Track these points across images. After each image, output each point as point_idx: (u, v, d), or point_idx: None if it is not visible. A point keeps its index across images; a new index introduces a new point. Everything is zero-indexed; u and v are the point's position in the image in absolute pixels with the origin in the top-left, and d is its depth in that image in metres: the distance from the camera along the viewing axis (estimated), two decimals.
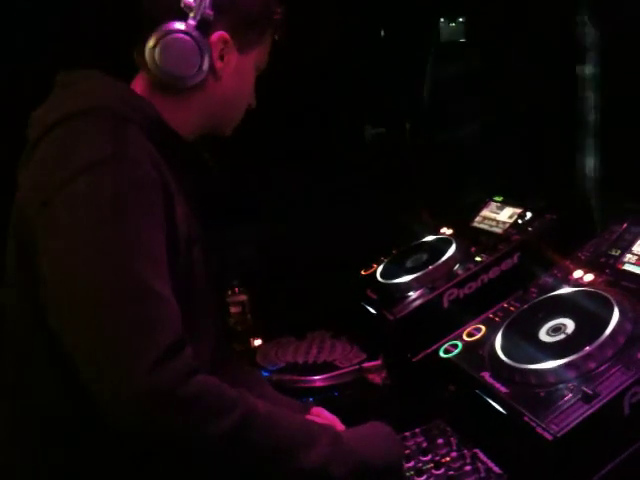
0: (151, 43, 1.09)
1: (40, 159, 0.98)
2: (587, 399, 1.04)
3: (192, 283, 1.10)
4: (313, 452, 0.96)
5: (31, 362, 1.00)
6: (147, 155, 1.00)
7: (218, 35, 1.13)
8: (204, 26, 1.11)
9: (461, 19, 2.36)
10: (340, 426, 1.32)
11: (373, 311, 1.65)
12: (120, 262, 0.89)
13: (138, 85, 1.15)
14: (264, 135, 2.12)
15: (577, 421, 1.01)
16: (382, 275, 1.74)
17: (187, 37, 1.09)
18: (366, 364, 1.58)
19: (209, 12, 1.10)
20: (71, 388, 0.92)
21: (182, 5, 1.09)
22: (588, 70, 1.76)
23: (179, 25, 1.09)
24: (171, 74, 1.11)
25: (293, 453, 0.94)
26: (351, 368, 1.59)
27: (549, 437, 1.01)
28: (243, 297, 1.91)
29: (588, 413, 1.02)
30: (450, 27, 2.41)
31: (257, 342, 1.84)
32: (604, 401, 1.02)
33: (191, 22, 1.09)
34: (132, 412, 0.83)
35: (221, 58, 1.15)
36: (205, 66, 1.12)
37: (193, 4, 1.09)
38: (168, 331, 0.87)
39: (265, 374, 1.60)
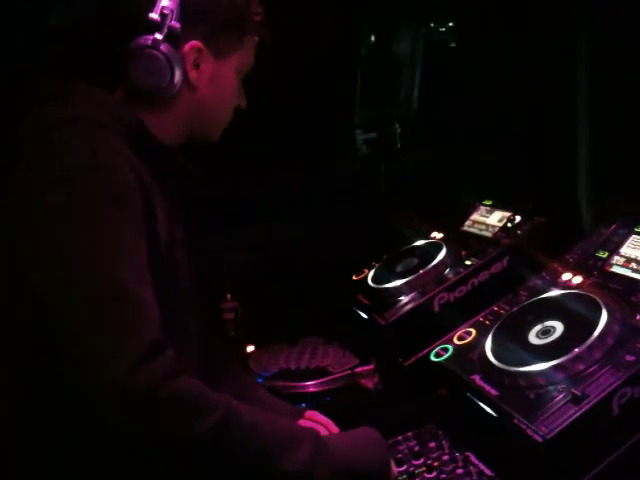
0: (123, 57, 1.11)
1: (20, 170, 0.99)
2: (576, 401, 1.04)
3: (175, 285, 1.10)
4: (296, 455, 0.96)
5: (21, 364, 1.00)
6: (126, 162, 1.01)
7: (190, 45, 1.13)
8: (173, 38, 1.11)
9: (451, 24, 2.37)
10: (334, 429, 1.32)
11: (365, 316, 1.66)
12: (100, 266, 0.90)
13: (119, 95, 1.16)
14: (257, 137, 2.12)
15: (566, 423, 1.02)
16: (373, 280, 1.75)
17: (154, 52, 1.10)
18: (358, 369, 1.59)
19: (175, 25, 1.11)
20: (58, 388, 0.92)
21: (147, 20, 1.09)
22: (582, 72, 1.77)
23: (146, 40, 1.10)
24: (143, 88, 1.13)
25: (276, 456, 0.95)
26: (343, 373, 1.59)
27: (539, 439, 1.02)
28: (235, 304, 1.91)
29: (577, 414, 1.02)
30: (440, 32, 2.42)
31: (250, 348, 1.84)
32: (593, 402, 1.03)
33: (158, 36, 1.10)
34: (113, 412, 0.84)
35: (196, 67, 1.16)
36: (177, 79, 1.13)
37: (158, 19, 1.10)
38: (148, 334, 0.88)
39: (258, 380, 1.60)
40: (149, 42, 1.10)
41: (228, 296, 1.91)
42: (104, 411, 0.84)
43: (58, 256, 0.90)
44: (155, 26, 1.10)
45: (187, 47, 1.14)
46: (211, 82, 1.19)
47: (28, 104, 1.08)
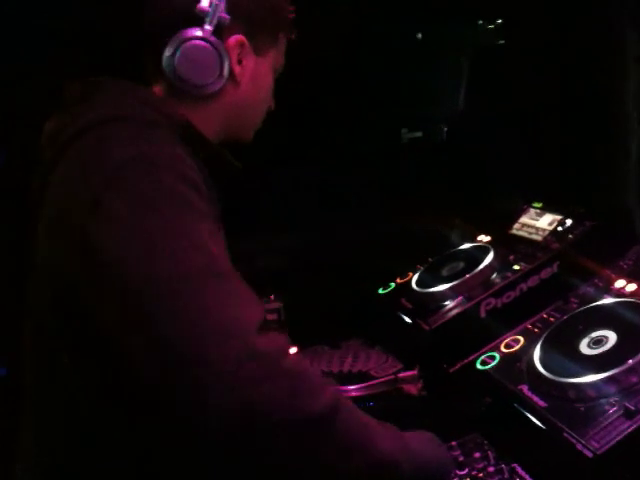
0: (168, 51, 1.08)
1: (73, 168, 0.96)
2: (629, 415, 1.01)
3: None
4: (387, 445, 0.95)
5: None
6: (184, 157, 0.99)
7: (235, 39, 1.12)
8: (221, 31, 1.09)
9: (500, 21, 2.32)
10: None
11: (408, 320, 1.63)
12: (200, 244, 0.88)
13: (158, 91, 1.15)
14: (292, 137, 2.12)
15: (618, 438, 0.99)
16: (418, 284, 1.72)
17: (205, 43, 1.08)
18: (401, 374, 1.56)
19: (225, 16, 1.09)
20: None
21: (197, 10, 1.07)
22: (631, 73, 1.71)
23: (196, 31, 1.08)
24: (191, 82, 1.10)
25: (372, 442, 0.93)
26: (386, 378, 1.56)
27: (589, 454, 0.99)
28: (279, 304, 1.90)
29: (630, 430, 0.99)
30: (488, 29, 2.37)
31: (292, 350, 1.83)
32: None
33: (207, 27, 1.08)
34: (241, 377, 0.80)
35: (239, 62, 1.14)
36: (225, 72, 1.11)
37: (208, 9, 1.07)
38: (259, 306, 0.89)
39: None
40: (200, 33, 1.08)
41: (271, 297, 1.90)
42: (219, 381, 0.80)
43: (154, 240, 0.86)
44: (204, 17, 1.08)
45: (232, 41, 1.12)
46: (252, 79, 1.18)
47: (67, 104, 1.08)
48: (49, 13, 1.67)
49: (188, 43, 1.08)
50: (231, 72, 1.13)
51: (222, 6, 1.09)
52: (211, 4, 1.07)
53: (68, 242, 0.92)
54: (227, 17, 1.09)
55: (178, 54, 1.08)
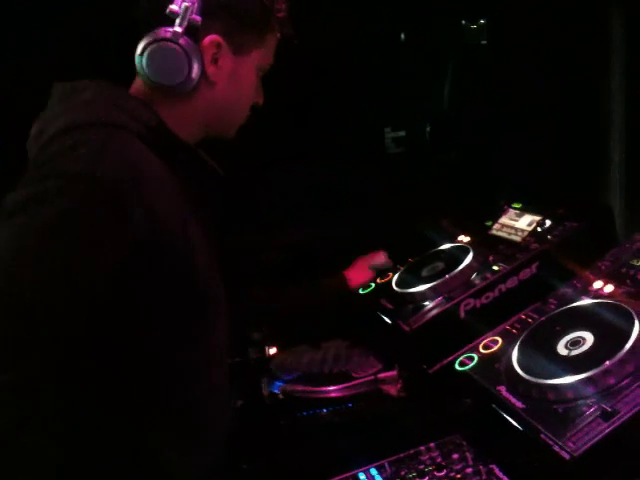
0: (139, 51, 1.09)
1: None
2: (606, 416, 1.01)
3: (195, 281, 1.10)
4: None
5: None
6: (131, 170, 0.98)
7: (210, 39, 1.12)
8: (193, 31, 1.09)
9: (483, 21, 2.33)
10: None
11: (388, 321, 1.63)
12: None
13: (136, 89, 1.16)
14: (279, 137, 2.11)
15: (596, 439, 0.98)
16: (398, 284, 1.71)
17: (173, 45, 1.08)
18: (381, 375, 1.56)
19: (196, 18, 1.09)
20: None
21: (167, 12, 1.08)
22: (616, 70, 1.71)
23: (165, 32, 1.08)
24: (158, 83, 1.11)
25: None
26: (366, 379, 1.56)
27: (566, 456, 0.99)
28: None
29: (607, 431, 0.99)
30: (472, 29, 2.37)
31: (272, 350, 1.82)
32: (624, 419, 0.99)
33: (177, 29, 1.08)
34: None
35: (215, 62, 1.14)
36: (194, 73, 1.11)
37: (178, 11, 1.08)
38: None
39: (279, 384, 1.59)
40: (168, 34, 1.08)
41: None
42: None
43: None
44: (175, 18, 1.08)
45: (206, 41, 1.12)
46: (230, 78, 1.18)
47: (48, 107, 1.09)
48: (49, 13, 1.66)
49: (155, 44, 1.09)
50: (204, 72, 1.13)
51: (195, 7, 1.09)
52: (181, 6, 1.07)
53: None
54: (199, 19, 1.09)
55: (146, 54, 1.09)
